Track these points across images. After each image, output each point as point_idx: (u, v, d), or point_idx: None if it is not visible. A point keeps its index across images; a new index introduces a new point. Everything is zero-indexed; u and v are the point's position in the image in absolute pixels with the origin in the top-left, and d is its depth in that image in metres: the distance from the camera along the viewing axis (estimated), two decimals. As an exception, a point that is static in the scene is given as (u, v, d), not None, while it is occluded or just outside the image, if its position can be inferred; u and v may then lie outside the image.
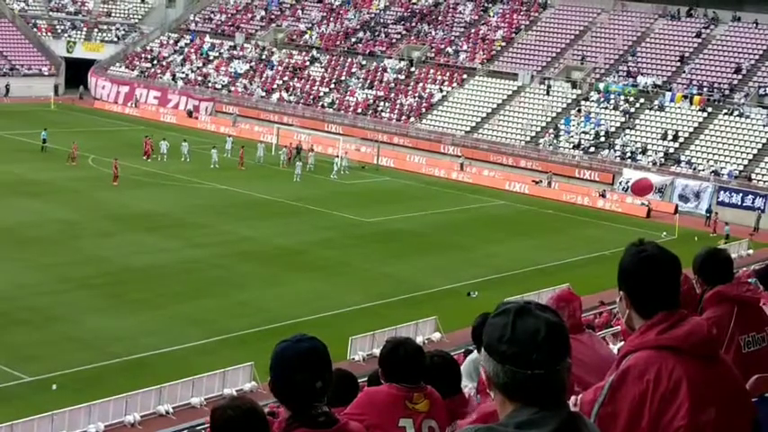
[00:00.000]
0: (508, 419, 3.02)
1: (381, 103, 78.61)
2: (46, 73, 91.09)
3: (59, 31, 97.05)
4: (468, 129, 73.37)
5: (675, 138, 66.66)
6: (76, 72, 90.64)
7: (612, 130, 69.49)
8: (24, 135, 67.63)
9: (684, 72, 73.02)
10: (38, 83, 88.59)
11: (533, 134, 71.17)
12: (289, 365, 3.81)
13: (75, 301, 35.39)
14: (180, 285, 38.13)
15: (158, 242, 43.98)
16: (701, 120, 67.76)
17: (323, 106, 79.97)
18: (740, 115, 66.74)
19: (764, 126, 65.26)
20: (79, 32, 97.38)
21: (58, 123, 71.72)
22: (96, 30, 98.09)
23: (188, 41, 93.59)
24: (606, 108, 71.48)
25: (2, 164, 57.83)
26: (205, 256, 42.31)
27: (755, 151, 63.95)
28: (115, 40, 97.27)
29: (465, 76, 78.92)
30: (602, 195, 62.55)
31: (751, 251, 50.77)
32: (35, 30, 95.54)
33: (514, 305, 3.06)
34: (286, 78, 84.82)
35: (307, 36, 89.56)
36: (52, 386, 27.76)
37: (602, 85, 73.31)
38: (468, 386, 6.22)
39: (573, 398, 4.17)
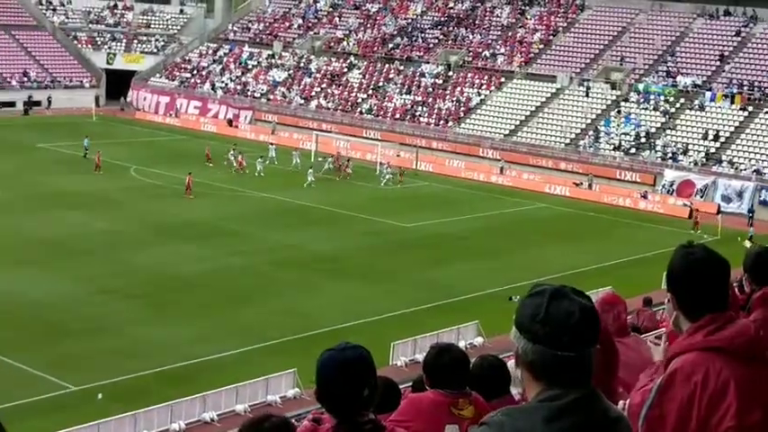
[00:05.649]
0: (534, 400, 3.10)
1: (419, 108, 78.61)
2: (87, 85, 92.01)
3: (99, 43, 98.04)
4: (507, 132, 73.18)
5: (716, 137, 66.08)
6: (117, 83, 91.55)
7: (653, 130, 69.01)
8: (67, 147, 68.34)
9: (724, 71, 72.40)
10: (79, 95, 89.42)
11: (573, 136, 70.86)
12: (334, 374, 3.81)
13: (118, 311, 35.71)
14: (221, 294, 38.30)
15: (199, 251, 44.21)
16: (741, 119, 67.14)
17: (361, 112, 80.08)
18: (782, 113, 66.11)
19: (807, 124, 64.59)
20: (119, 44, 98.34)
21: (100, 134, 72.37)
22: (136, 41, 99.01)
23: (227, 51, 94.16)
24: (646, 109, 71.03)
25: (45, 175, 58.49)
26: (245, 265, 42.50)
27: (799, 149, 63.32)
28: (155, 51, 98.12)
29: (503, 79, 78.74)
30: (644, 197, 62.13)
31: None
32: (75, 42, 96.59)
33: (550, 287, 3.15)
34: (324, 85, 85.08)
35: (344, 43, 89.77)
36: (98, 396, 27.97)
37: (641, 86, 72.86)
38: (514, 392, 6.21)
39: (620, 402, 4.14)
